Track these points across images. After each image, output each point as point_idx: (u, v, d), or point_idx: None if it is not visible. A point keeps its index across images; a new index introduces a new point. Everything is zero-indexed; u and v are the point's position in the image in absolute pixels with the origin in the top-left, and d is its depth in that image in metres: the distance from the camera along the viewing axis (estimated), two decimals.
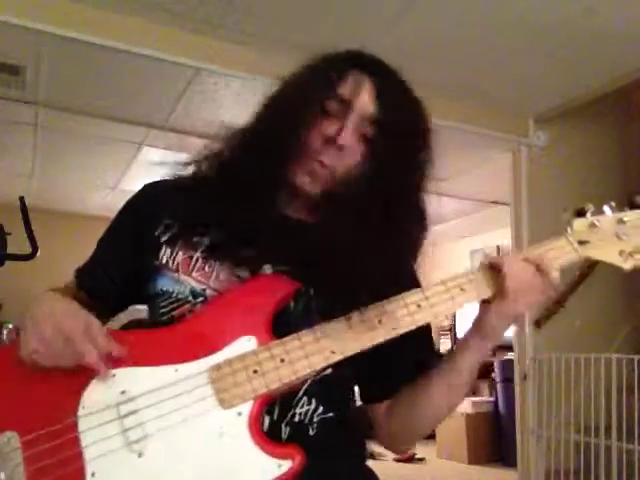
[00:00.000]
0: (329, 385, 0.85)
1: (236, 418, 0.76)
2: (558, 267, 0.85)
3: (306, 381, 0.82)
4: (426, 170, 0.91)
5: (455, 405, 0.91)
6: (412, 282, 0.91)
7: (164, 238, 0.90)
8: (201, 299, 0.86)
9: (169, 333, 0.82)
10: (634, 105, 3.91)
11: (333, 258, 0.82)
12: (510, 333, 3.59)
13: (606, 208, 0.90)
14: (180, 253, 0.89)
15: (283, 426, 0.82)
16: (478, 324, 0.85)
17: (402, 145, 0.87)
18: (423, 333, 0.89)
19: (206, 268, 0.87)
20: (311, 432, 0.83)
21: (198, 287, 0.87)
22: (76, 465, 0.72)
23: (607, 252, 0.89)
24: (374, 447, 4.92)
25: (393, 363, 0.89)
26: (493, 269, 0.84)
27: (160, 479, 0.73)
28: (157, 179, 0.98)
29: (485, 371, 5.01)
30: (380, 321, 0.81)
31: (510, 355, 4.10)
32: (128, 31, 2.68)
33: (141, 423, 0.74)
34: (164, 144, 3.84)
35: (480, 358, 0.86)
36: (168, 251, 0.90)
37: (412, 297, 0.83)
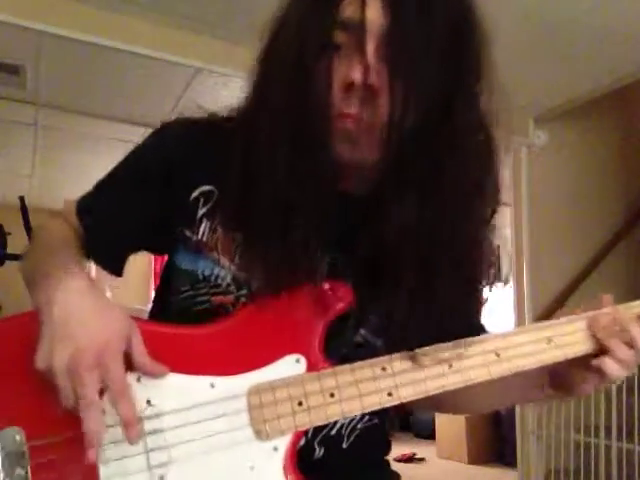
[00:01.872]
0: None
1: (271, 453, 0.67)
2: None
3: None
4: (489, 91, 0.70)
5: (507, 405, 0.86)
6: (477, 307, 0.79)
7: (203, 210, 0.75)
8: (245, 291, 0.73)
9: (208, 334, 0.70)
10: (634, 105, 3.91)
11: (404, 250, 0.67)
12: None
13: None
14: (220, 230, 0.74)
15: (317, 445, 0.74)
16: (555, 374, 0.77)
17: (441, 58, 0.64)
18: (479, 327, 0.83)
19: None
20: (344, 445, 0.76)
21: (242, 275, 0.73)
22: None
23: None
24: None
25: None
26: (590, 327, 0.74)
27: None
28: (190, 122, 0.79)
29: None
30: (451, 366, 0.70)
31: None
32: (128, 31, 2.67)
33: (166, 446, 0.66)
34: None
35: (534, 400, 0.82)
36: (207, 226, 0.75)
37: (491, 343, 0.72)
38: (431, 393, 0.69)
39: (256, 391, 0.68)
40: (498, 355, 0.71)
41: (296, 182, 0.66)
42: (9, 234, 3.36)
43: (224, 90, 3.15)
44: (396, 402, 0.69)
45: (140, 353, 0.64)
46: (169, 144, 0.78)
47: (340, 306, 0.71)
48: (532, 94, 3.43)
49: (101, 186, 0.81)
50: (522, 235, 3.67)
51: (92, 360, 0.59)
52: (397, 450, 5.09)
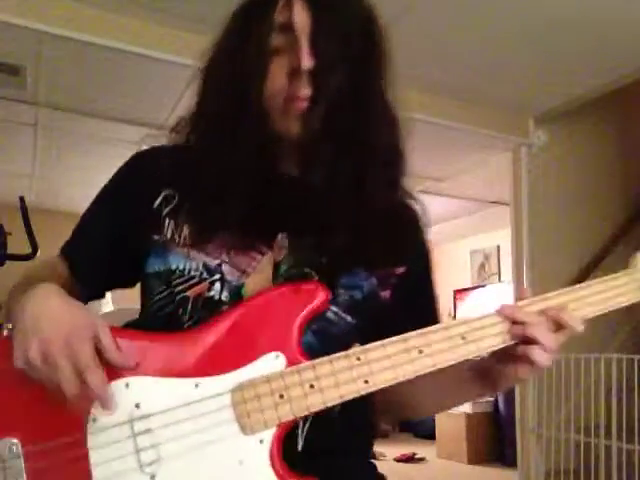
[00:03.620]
0: None
1: (257, 446, 0.70)
2: (630, 302, 0.83)
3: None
4: (384, 70, 0.83)
5: (443, 409, 0.96)
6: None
7: (166, 211, 0.83)
8: (218, 276, 0.80)
9: (190, 340, 0.75)
10: (634, 105, 3.91)
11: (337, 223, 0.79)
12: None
13: None
14: (186, 226, 0.82)
15: (300, 436, 0.78)
16: (484, 369, 0.83)
17: (349, 47, 0.79)
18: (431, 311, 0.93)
19: (217, 239, 0.80)
20: (327, 434, 0.79)
21: (212, 262, 0.80)
22: None
23: None
24: (375, 447, 4.94)
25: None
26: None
27: None
28: (151, 147, 0.91)
29: None
30: (421, 351, 0.74)
31: None
32: (128, 31, 2.67)
33: (155, 444, 0.69)
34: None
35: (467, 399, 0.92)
36: (172, 224, 0.82)
37: (455, 329, 0.77)
38: (404, 378, 0.73)
39: (239, 388, 0.71)
40: (464, 338, 0.76)
41: (245, 154, 0.79)
42: (9, 234, 3.36)
43: None
44: (373, 389, 0.72)
45: (109, 346, 0.68)
46: (128, 169, 0.89)
47: (316, 305, 0.76)
48: (532, 94, 3.43)
49: (77, 229, 0.91)
50: (522, 235, 3.67)
51: (62, 345, 0.65)
52: (397, 450, 5.08)
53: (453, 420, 4.95)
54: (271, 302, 0.76)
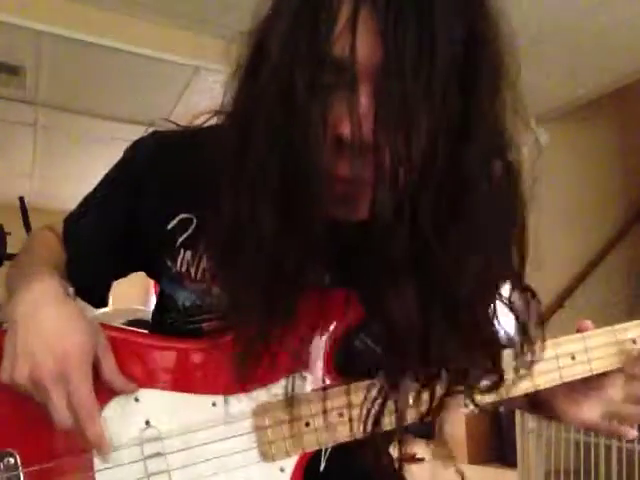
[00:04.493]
0: None
1: (278, 474, 0.65)
2: None
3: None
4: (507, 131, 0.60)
5: None
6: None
7: (181, 238, 0.71)
8: None
9: (207, 350, 0.66)
10: (634, 105, 3.91)
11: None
12: (511, 332, 3.58)
13: None
14: (205, 259, 0.70)
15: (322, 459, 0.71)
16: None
17: (447, 97, 0.52)
18: None
19: None
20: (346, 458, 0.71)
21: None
22: None
23: None
24: None
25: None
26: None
27: None
28: (166, 139, 0.75)
29: None
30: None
31: None
32: (128, 31, 2.67)
33: (167, 470, 0.63)
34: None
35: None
36: (188, 255, 0.71)
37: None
38: (429, 418, 0.66)
39: (262, 411, 0.65)
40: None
41: (285, 239, 0.57)
42: (9, 234, 3.35)
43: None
44: (404, 424, 0.65)
45: (108, 369, 0.62)
46: (143, 169, 0.74)
47: (348, 321, 0.66)
48: (532, 94, 3.43)
49: (83, 208, 0.81)
50: None
51: (53, 373, 0.58)
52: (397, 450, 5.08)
53: (453, 420, 4.94)
54: (300, 317, 0.64)
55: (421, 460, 4.92)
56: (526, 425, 3.50)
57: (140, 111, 3.46)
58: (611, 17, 2.65)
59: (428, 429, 5.46)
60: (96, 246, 0.77)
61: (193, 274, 0.71)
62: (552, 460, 3.32)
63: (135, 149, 0.77)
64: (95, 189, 0.80)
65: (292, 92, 0.53)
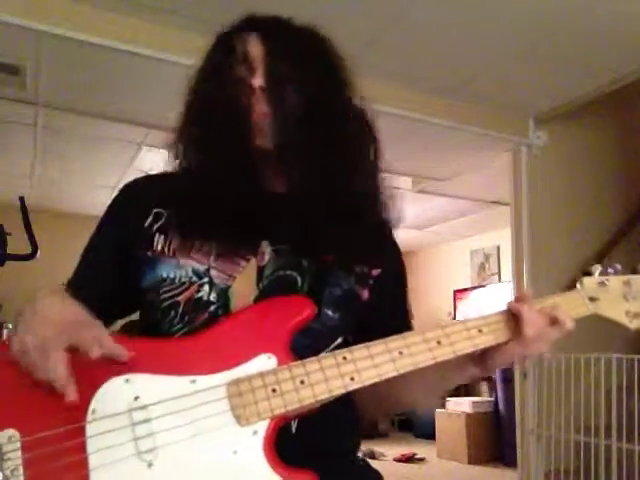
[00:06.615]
0: None
1: (251, 437, 0.74)
2: (574, 317, 0.90)
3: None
4: (342, 78, 0.94)
5: (423, 406, 0.97)
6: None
7: (155, 227, 0.91)
8: (206, 279, 0.87)
9: (187, 343, 0.81)
10: (633, 105, 3.91)
11: (310, 228, 0.87)
12: None
13: (610, 271, 0.97)
14: (175, 238, 0.89)
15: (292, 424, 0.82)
16: (479, 357, 0.89)
17: (298, 66, 0.90)
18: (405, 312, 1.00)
19: (204, 248, 0.88)
20: (317, 423, 0.82)
21: (200, 267, 0.87)
22: (80, 472, 0.69)
23: (615, 311, 0.96)
24: (374, 447, 4.94)
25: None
26: (511, 315, 0.88)
27: None
28: (140, 177, 1.00)
29: None
30: (401, 353, 0.81)
31: None
32: (128, 31, 2.68)
33: (152, 433, 0.72)
34: (164, 144, 3.83)
35: (462, 382, 0.95)
36: (162, 238, 0.90)
37: (433, 333, 0.85)
38: (387, 376, 0.80)
39: (234, 381, 0.76)
40: (439, 342, 0.84)
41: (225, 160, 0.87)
42: (9, 234, 3.36)
43: None
44: (359, 385, 0.78)
45: (107, 340, 0.71)
46: (119, 199, 0.96)
47: (304, 317, 0.82)
48: (532, 94, 3.44)
49: (81, 257, 0.96)
50: (522, 235, 3.68)
51: (52, 339, 0.71)
52: (397, 450, 5.09)
53: (453, 420, 4.95)
54: (263, 311, 0.83)
55: (421, 460, 4.93)
56: (526, 425, 3.50)
57: (140, 111, 3.46)
58: (611, 17, 2.65)
59: (429, 429, 5.47)
60: (95, 275, 0.94)
61: (166, 251, 0.89)
62: (552, 460, 3.32)
63: (119, 193, 0.97)
64: (89, 239, 0.97)
65: (225, 77, 0.90)
